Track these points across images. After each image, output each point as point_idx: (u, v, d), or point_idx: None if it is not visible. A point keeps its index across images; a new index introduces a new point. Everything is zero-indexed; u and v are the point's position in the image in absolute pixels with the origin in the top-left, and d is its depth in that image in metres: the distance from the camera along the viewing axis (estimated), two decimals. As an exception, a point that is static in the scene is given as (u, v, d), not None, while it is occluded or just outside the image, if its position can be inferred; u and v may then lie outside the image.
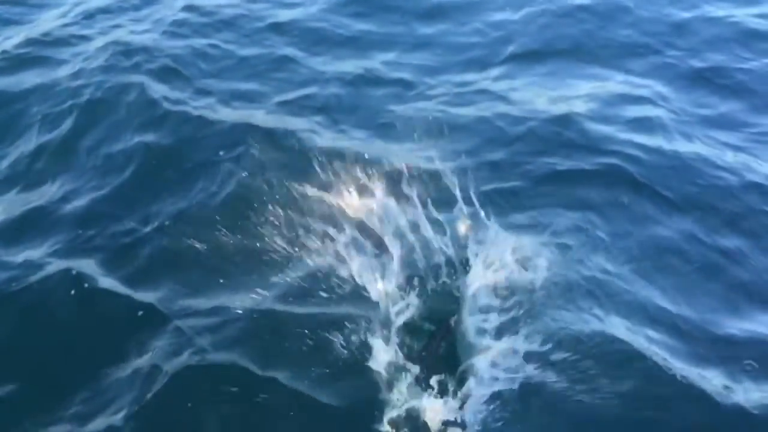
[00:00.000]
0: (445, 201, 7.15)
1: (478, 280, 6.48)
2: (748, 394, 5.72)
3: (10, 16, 12.19)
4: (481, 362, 5.79)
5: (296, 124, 8.38)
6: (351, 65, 10.48)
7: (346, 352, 5.85)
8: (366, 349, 5.89)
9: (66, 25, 11.78)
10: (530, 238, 6.81)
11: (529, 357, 5.81)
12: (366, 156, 7.34)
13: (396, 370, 5.81)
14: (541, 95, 9.83)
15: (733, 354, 6.09)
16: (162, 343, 6.25)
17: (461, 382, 5.74)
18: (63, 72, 10.37)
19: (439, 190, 7.25)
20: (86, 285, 6.73)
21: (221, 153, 7.99)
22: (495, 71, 10.55)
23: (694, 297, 6.68)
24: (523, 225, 6.91)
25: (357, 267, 6.45)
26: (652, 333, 6.20)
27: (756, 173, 8.21)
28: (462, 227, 7.06)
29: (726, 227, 7.47)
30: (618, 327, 6.16)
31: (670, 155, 8.48)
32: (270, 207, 7.18)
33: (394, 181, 7.05)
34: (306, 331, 6.12)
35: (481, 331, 6.05)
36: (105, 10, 12.19)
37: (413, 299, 6.43)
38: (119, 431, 5.56)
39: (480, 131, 8.77)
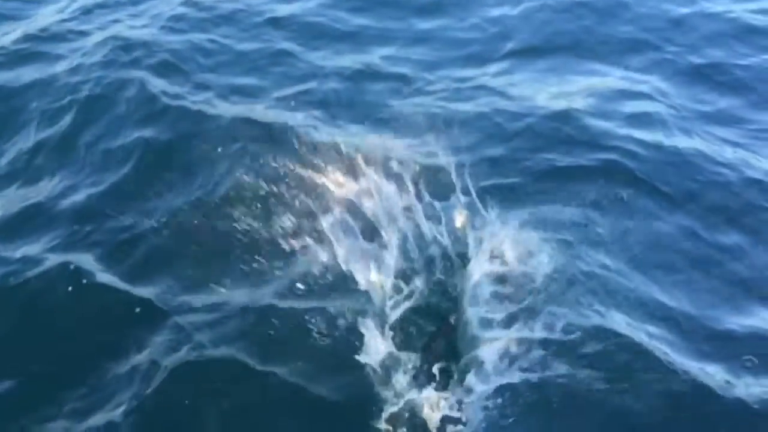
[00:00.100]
0: (444, 196, 7.17)
1: (478, 274, 6.49)
2: (749, 388, 5.72)
3: (7, 11, 12.15)
4: (481, 357, 5.79)
5: (295, 118, 8.37)
6: (349, 60, 10.47)
7: (345, 346, 5.86)
8: (366, 343, 5.89)
9: (64, 21, 11.74)
10: (530, 234, 6.80)
11: (529, 352, 5.80)
12: (365, 151, 7.32)
13: (396, 364, 5.81)
14: (540, 91, 9.83)
15: (733, 349, 6.09)
16: (160, 338, 6.25)
17: (461, 377, 5.74)
18: (61, 67, 10.34)
19: (437, 185, 7.25)
20: (84, 280, 6.72)
21: (220, 148, 7.98)
22: (494, 67, 10.54)
23: (693, 292, 6.68)
24: (522, 220, 6.89)
25: (356, 261, 6.45)
26: (652, 328, 6.20)
27: (755, 169, 8.21)
28: (461, 222, 7.07)
29: (725, 223, 7.48)
30: (618, 322, 6.16)
31: (669, 151, 8.48)
32: (268, 202, 7.18)
33: (393, 176, 7.04)
34: (305, 326, 6.14)
35: (481, 326, 6.04)
36: (103, 5, 12.15)
37: (413, 293, 6.43)
38: (118, 426, 5.55)
39: (479, 127, 8.77)
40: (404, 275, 6.56)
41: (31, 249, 7.17)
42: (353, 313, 6.12)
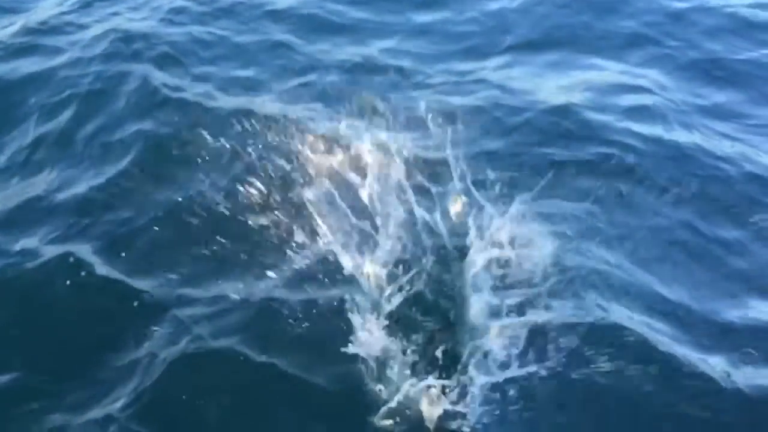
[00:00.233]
0: (442, 189, 7.18)
1: (477, 266, 6.48)
2: (749, 380, 5.74)
3: (6, 3, 12.11)
4: (481, 350, 5.79)
5: (294, 111, 8.36)
6: (348, 53, 10.47)
7: (344, 337, 5.83)
8: (365, 334, 5.87)
9: (63, 13, 11.71)
10: (529, 227, 6.79)
11: (529, 344, 5.81)
12: (364, 144, 7.32)
13: (395, 356, 5.80)
14: (539, 85, 9.84)
15: (733, 341, 6.11)
16: (159, 330, 6.23)
17: (461, 370, 5.72)
18: (61, 60, 10.31)
19: (437, 178, 7.26)
20: (83, 273, 6.70)
21: (220, 141, 7.96)
22: (493, 60, 10.54)
23: (693, 286, 6.69)
24: (521, 213, 6.88)
25: (354, 252, 6.45)
26: (652, 321, 6.21)
27: (755, 164, 8.24)
28: (459, 214, 7.07)
29: (725, 217, 7.50)
30: (619, 315, 6.16)
31: (668, 145, 8.50)
32: (267, 195, 7.18)
33: (392, 169, 7.04)
34: (304, 317, 6.14)
35: (481, 319, 6.04)
36: (102, -2, 12.16)
37: (413, 284, 6.41)
38: (117, 419, 5.52)
39: (478, 120, 8.76)
40: (403, 267, 6.55)
41: (30, 241, 7.15)
42: (352, 304, 6.12)
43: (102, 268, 6.80)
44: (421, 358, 5.85)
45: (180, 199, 7.47)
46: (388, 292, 6.26)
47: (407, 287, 6.37)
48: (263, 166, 7.51)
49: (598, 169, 8.01)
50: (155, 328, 6.25)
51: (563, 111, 9.05)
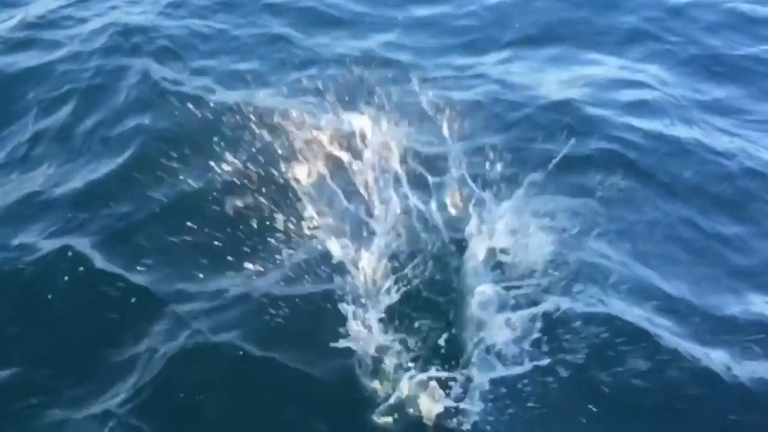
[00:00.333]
0: (441, 183, 7.16)
1: (476, 261, 6.48)
2: (749, 373, 5.76)
3: (4, -2, 12.13)
4: (481, 346, 5.76)
5: (294, 105, 8.33)
6: (347, 47, 10.47)
7: (343, 333, 5.81)
8: (364, 330, 5.85)
9: (62, 7, 11.70)
10: (529, 221, 6.77)
11: (530, 339, 5.79)
12: (362, 138, 7.30)
13: (395, 352, 5.79)
14: (539, 80, 9.84)
15: (734, 335, 6.12)
16: (158, 325, 6.23)
17: (461, 366, 5.72)
18: (59, 54, 10.31)
19: (435, 172, 7.24)
20: (82, 268, 6.69)
21: (218, 135, 7.94)
22: (492, 55, 10.54)
23: (693, 281, 6.71)
24: (521, 208, 6.87)
25: (353, 246, 6.43)
26: (653, 316, 6.22)
27: (754, 159, 8.25)
28: (458, 209, 7.07)
29: (725, 213, 7.52)
30: (619, 309, 6.17)
31: (669, 141, 8.51)
32: (267, 189, 7.16)
33: (391, 163, 7.02)
34: (303, 312, 6.14)
35: (480, 314, 6.00)
36: (101, -9, 12.13)
37: (412, 279, 6.41)
38: (116, 414, 5.52)
39: (477, 115, 8.73)
40: (402, 261, 6.56)
41: (29, 236, 7.14)
42: (350, 298, 6.09)
43: (101, 263, 6.79)
44: (421, 353, 5.86)
45: (179, 193, 7.48)
46: (387, 286, 6.25)
47: (406, 282, 6.37)
48: (262, 160, 7.49)
49: (598, 164, 8.01)
50: (154, 323, 6.24)
51: (563, 106, 9.06)
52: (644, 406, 5.55)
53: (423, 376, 5.52)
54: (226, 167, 7.50)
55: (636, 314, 6.17)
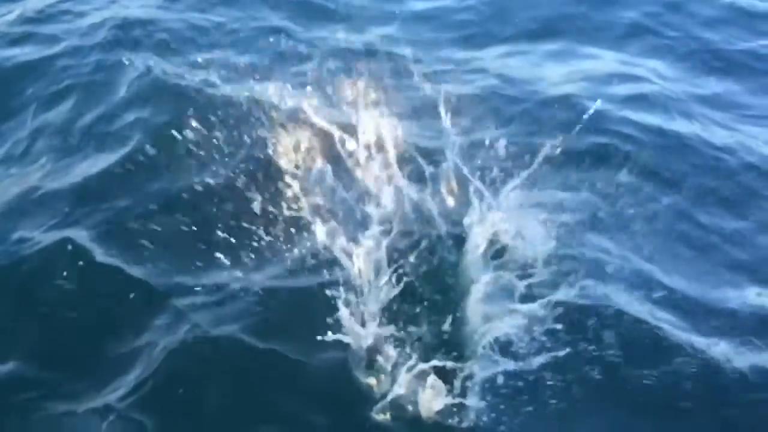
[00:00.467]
0: (439, 177, 7.17)
1: (474, 256, 6.49)
2: (749, 365, 5.78)
3: (3, -7, 12.12)
4: (481, 341, 5.79)
5: (292, 98, 8.34)
6: (347, 40, 10.47)
7: (343, 326, 5.82)
8: (364, 323, 5.87)
9: (60, 1, 11.70)
10: (528, 216, 6.80)
11: (532, 334, 5.80)
12: (361, 131, 7.31)
13: (395, 346, 5.80)
14: (538, 75, 9.85)
15: (734, 328, 6.14)
16: (158, 319, 6.23)
17: (461, 361, 5.73)
18: (59, 49, 10.31)
19: (434, 166, 7.25)
20: (81, 262, 6.68)
21: (218, 129, 7.94)
22: (492, 49, 10.56)
23: (693, 274, 6.72)
24: (520, 203, 6.89)
25: (353, 240, 6.43)
26: (654, 309, 6.23)
27: (753, 154, 8.27)
28: (456, 203, 7.08)
29: (724, 207, 7.54)
30: (620, 303, 6.18)
31: (668, 135, 8.53)
32: (266, 183, 7.17)
33: (389, 157, 7.02)
34: (304, 305, 6.17)
35: (480, 310, 6.03)
36: (99, -15, 12.12)
37: (411, 273, 6.43)
38: (117, 407, 5.52)
39: (476, 109, 8.76)
40: (402, 254, 6.56)
41: (28, 230, 7.13)
42: (350, 292, 6.10)
43: (100, 257, 6.78)
44: (420, 346, 5.87)
45: (179, 187, 7.48)
46: (386, 279, 6.23)
47: (406, 275, 6.37)
48: (261, 154, 7.51)
49: (598, 158, 8.02)
50: (153, 317, 6.25)
51: (562, 100, 9.07)
52: (645, 398, 5.56)
53: (423, 368, 5.53)
54: (225, 161, 7.52)
55: (637, 307, 6.18)
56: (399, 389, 5.45)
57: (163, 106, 8.63)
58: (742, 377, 5.67)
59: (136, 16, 10.92)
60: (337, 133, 7.23)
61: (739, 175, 7.99)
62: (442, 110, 7.16)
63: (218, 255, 6.67)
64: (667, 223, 7.27)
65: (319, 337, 5.71)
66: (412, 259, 6.59)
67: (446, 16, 11.42)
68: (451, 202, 7.11)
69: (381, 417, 5.43)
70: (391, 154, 7.05)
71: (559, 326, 5.83)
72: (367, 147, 7.09)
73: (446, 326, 6.09)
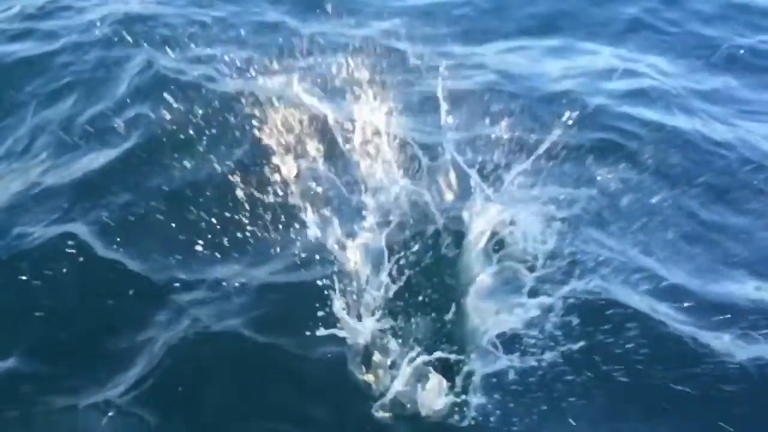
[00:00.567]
0: (438, 172, 7.16)
1: (474, 251, 6.49)
2: (750, 356, 5.82)
3: (3, -11, 12.12)
4: (483, 337, 5.78)
5: (292, 93, 8.33)
6: (347, 34, 10.47)
7: (344, 320, 5.80)
8: (364, 317, 5.88)
9: (61, -3, 11.74)
10: (528, 211, 6.79)
11: (534, 329, 5.82)
12: (361, 126, 7.32)
13: (396, 342, 5.80)
14: (537, 70, 9.86)
15: (734, 321, 6.16)
16: (158, 314, 6.26)
17: (463, 357, 5.74)
18: (59, 45, 10.34)
19: (432, 160, 7.24)
20: (82, 258, 6.71)
21: (219, 124, 7.98)
22: (492, 45, 10.57)
23: (694, 269, 6.75)
24: (518, 198, 6.90)
25: (352, 235, 6.44)
26: (655, 302, 6.27)
27: (752, 149, 8.28)
28: (455, 198, 7.08)
29: (723, 201, 7.56)
30: (622, 297, 6.21)
31: (668, 130, 8.54)
32: (267, 177, 7.17)
33: (388, 151, 7.03)
34: (304, 300, 6.13)
35: (481, 306, 6.02)
36: (100, -19, 12.12)
37: (411, 269, 6.42)
38: (118, 402, 5.55)
39: (475, 104, 8.75)
40: (401, 250, 6.57)
41: (30, 225, 7.14)
42: (351, 287, 6.12)
43: (101, 252, 6.81)
44: (420, 341, 5.87)
45: (179, 183, 7.50)
46: (386, 274, 6.25)
47: (406, 270, 6.37)
48: (262, 148, 7.51)
49: (597, 153, 8.03)
50: (154, 311, 6.27)
51: (561, 96, 9.07)
52: (646, 390, 5.58)
53: (424, 364, 5.54)
54: (225, 156, 7.53)
55: (638, 302, 6.20)
56: (400, 384, 5.46)
57: (163, 102, 8.63)
58: (743, 369, 5.71)
59: (137, 12, 10.94)
60: (337, 128, 7.24)
61: (739, 170, 8.01)
62: (441, 105, 7.17)
63: (219, 250, 6.69)
64: (666, 217, 7.28)
65: (319, 332, 5.71)
66: (412, 253, 6.60)
67: (446, 11, 11.43)
68: (450, 196, 7.11)
69: (382, 413, 5.43)
70: (391, 149, 7.06)
71: (560, 321, 5.85)
72: (368, 142, 7.10)
73: (447, 321, 6.10)
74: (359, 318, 5.87)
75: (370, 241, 6.42)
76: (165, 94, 8.71)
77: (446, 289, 6.42)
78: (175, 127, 8.05)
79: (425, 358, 5.58)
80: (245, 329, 6.03)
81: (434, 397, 5.42)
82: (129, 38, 10.22)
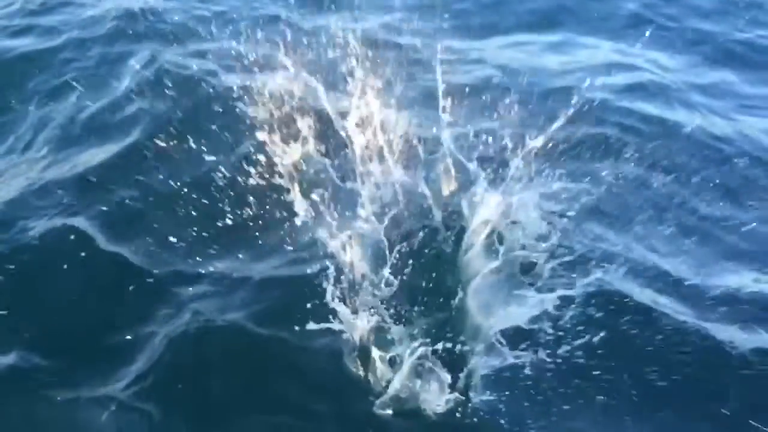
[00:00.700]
0: (437, 167, 7.19)
1: (474, 246, 6.51)
2: (750, 348, 5.84)
3: (5, -16, 12.12)
4: (486, 333, 5.80)
5: (293, 87, 8.35)
6: (348, 29, 10.44)
7: (346, 314, 5.84)
8: (365, 311, 5.90)
9: (63, -8, 11.73)
10: (528, 206, 6.81)
11: (535, 324, 5.85)
12: (361, 121, 7.34)
13: (396, 338, 5.85)
14: (537, 65, 9.86)
15: (735, 313, 6.19)
16: (159, 308, 6.28)
17: (464, 357, 5.76)
18: (61, 40, 10.34)
19: (431, 155, 7.27)
20: (83, 253, 6.72)
21: (220, 118, 7.99)
22: (492, 39, 10.58)
23: (695, 261, 6.78)
24: (519, 193, 6.91)
25: (353, 229, 6.44)
26: (657, 296, 6.29)
27: (752, 143, 8.30)
28: (455, 193, 7.10)
29: (723, 195, 7.59)
30: (624, 290, 6.23)
31: (667, 124, 8.58)
32: (268, 173, 7.18)
33: (388, 145, 7.05)
34: (305, 294, 6.15)
35: (481, 302, 6.05)
36: (101, -23, 12.12)
37: (412, 263, 6.44)
38: (119, 396, 5.56)
39: (475, 99, 8.75)
40: (402, 244, 6.57)
41: (31, 220, 7.14)
42: (352, 281, 6.14)
43: (103, 247, 6.82)
44: (424, 337, 5.88)
45: (180, 178, 7.50)
46: (389, 268, 6.28)
47: (409, 265, 6.40)
48: (262, 143, 7.50)
49: (597, 148, 8.05)
50: (156, 306, 6.29)
51: (562, 90, 9.06)
52: (649, 384, 5.60)
53: (425, 359, 5.56)
54: (226, 151, 7.54)
55: (640, 295, 6.23)
56: (401, 378, 5.49)
57: (165, 97, 8.65)
58: (744, 360, 5.74)
59: (138, 7, 10.93)
60: (338, 123, 7.25)
61: (738, 164, 8.03)
62: (440, 100, 7.18)
63: (220, 244, 6.72)
64: (667, 211, 7.30)
65: (320, 326, 5.75)
66: (413, 247, 6.61)
67: (446, 6, 11.39)
68: (449, 190, 7.13)
69: (383, 408, 5.45)
70: (391, 143, 7.07)
71: (562, 316, 5.89)
72: (368, 136, 7.11)
73: (449, 317, 6.13)
74: (360, 312, 5.88)
75: (371, 235, 6.44)
76: (166, 90, 8.74)
77: (447, 283, 6.44)
78: (176, 123, 8.06)
79: (426, 352, 5.60)
80: (246, 323, 6.05)
81: (436, 391, 5.44)
82: (130, 34, 10.23)
